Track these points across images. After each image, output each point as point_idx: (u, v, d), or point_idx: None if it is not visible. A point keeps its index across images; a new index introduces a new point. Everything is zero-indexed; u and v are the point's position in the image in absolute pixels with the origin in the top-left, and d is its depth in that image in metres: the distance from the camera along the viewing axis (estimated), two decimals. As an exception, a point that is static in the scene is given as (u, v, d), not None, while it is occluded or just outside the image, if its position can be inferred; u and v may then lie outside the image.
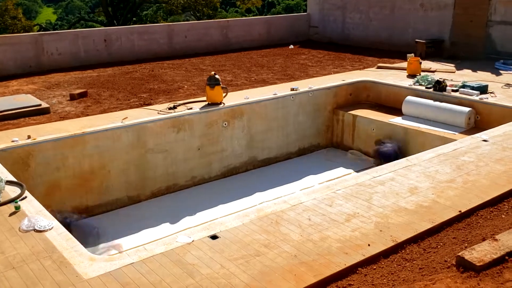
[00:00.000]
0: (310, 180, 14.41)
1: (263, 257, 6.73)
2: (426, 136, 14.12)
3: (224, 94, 14.33)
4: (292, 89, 15.77)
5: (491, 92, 15.04)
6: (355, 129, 16.19)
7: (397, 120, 15.22)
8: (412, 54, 18.72)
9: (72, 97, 15.56)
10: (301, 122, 16.05)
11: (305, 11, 30.93)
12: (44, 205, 8.47)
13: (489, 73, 17.88)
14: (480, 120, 14.30)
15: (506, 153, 10.33)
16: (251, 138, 14.95)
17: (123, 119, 12.88)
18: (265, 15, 71.45)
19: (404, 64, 18.47)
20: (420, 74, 17.28)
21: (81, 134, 11.94)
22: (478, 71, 18.24)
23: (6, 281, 6.23)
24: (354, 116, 16.16)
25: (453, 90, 15.24)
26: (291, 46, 25.73)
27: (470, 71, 18.40)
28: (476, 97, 14.63)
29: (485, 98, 14.50)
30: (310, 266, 6.51)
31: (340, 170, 15.06)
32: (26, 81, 18.17)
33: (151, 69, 20.22)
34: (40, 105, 14.29)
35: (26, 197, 8.59)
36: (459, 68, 18.79)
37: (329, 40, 27.11)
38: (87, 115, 13.80)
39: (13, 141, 11.34)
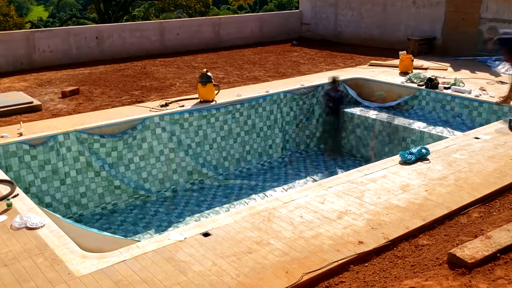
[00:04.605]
0: (303, 179, 14.42)
1: (255, 254, 6.74)
2: (417, 134, 14.15)
3: (216, 92, 14.32)
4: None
5: (483, 90, 15.08)
6: (348, 127, 16.20)
7: (390, 118, 15.24)
8: (404, 52, 18.76)
9: (64, 95, 15.52)
10: (296, 121, 16.04)
11: (297, 8, 30.91)
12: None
13: (482, 71, 17.91)
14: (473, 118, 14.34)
15: (498, 151, 10.36)
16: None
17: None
18: (257, 12, 71.40)
19: (396, 62, 18.49)
20: (412, 72, 17.31)
21: (73, 131, 11.90)
22: (471, 69, 18.27)
23: (-2, 279, 6.23)
24: (347, 114, 16.16)
25: (445, 88, 15.27)
26: (295, 42, 25.99)
27: (462, 68, 18.43)
28: (468, 94, 14.67)
29: (477, 96, 14.54)
30: (302, 263, 6.51)
31: (333, 169, 15.09)
32: (17, 78, 18.11)
33: (143, 67, 20.19)
34: (32, 102, 14.25)
35: (17, 194, 8.57)
36: (454, 66, 18.80)
37: (321, 37, 27.13)
38: (79, 112, 13.77)
39: (2, 137, 11.34)
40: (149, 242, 7.09)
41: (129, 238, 10.67)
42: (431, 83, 15.48)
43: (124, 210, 12.55)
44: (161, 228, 11.81)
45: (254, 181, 14.22)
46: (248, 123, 14.78)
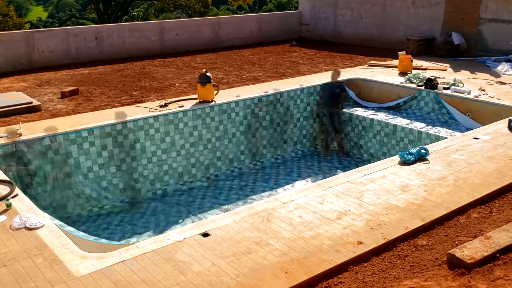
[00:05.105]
0: (302, 179, 14.43)
1: (254, 254, 6.74)
2: (415, 134, 14.18)
3: (215, 92, 14.33)
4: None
5: (483, 90, 15.09)
6: (346, 128, 16.21)
7: (389, 118, 15.24)
8: (404, 52, 18.76)
9: (63, 95, 15.52)
10: (293, 121, 16.06)
11: (296, 8, 30.93)
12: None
13: (481, 71, 17.92)
14: (472, 117, 14.35)
15: (497, 151, 10.37)
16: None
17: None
18: (257, 12, 71.40)
19: (396, 62, 18.49)
20: (411, 72, 17.32)
21: (73, 131, 11.90)
22: (470, 69, 18.28)
23: (-3, 279, 6.22)
24: (346, 114, 16.17)
25: (444, 88, 15.28)
26: (294, 42, 25.95)
27: (462, 69, 18.43)
28: (467, 95, 14.68)
29: (476, 96, 14.54)
30: (301, 263, 6.51)
31: (331, 169, 15.10)
32: (17, 78, 18.11)
33: (142, 67, 20.18)
34: (31, 102, 14.25)
35: (17, 194, 8.57)
36: (454, 67, 18.80)
37: (320, 37, 27.14)
38: (78, 112, 13.77)
39: (1, 137, 11.34)
40: (148, 242, 7.08)
41: (123, 242, 10.64)
42: (431, 83, 15.48)
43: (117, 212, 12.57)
44: (158, 228, 11.80)
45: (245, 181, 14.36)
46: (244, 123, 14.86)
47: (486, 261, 6.16)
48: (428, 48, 21.85)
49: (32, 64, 19.77)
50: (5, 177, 9.45)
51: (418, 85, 15.88)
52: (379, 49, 23.11)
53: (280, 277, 6.23)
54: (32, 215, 7.70)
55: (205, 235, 7.24)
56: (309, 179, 14.38)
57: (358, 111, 15.99)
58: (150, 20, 44.47)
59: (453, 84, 15.37)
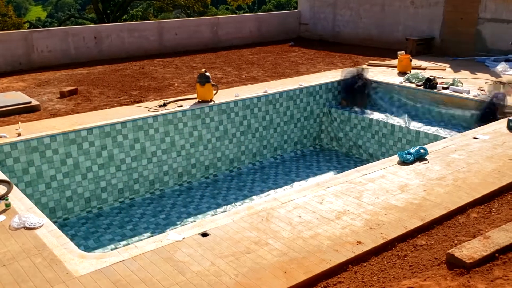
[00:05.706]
0: (301, 179, 14.44)
1: (253, 254, 6.74)
2: (413, 134, 14.19)
3: (214, 92, 14.32)
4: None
5: (482, 90, 15.09)
6: (345, 127, 16.21)
7: (389, 118, 15.24)
8: (403, 52, 18.75)
9: (62, 95, 15.50)
10: (293, 121, 16.06)
11: (295, 8, 30.90)
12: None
13: (481, 71, 17.92)
14: (470, 117, 14.37)
15: (497, 151, 10.37)
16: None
17: None
18: (256, 12, 71.38)
19: (395, 62, 18.49)
20: (410, 72, 17.32)
21: (72, 131, 11.89)
22: (470, 69, 18.28)
23: (-4, 279, 6.22)
24: (345, 114, 16.18)
25: (443, 88, 15.28)
26: (292, 43, 25.94)
27: (461, 69, 18.43)
28: (466, 94, 14.68)
29: (476, 96, 14.54)
30: (300, 263, 6.51)
31: (331, 169, 15.10)
32: (16, 78, 18.09)
33: (141, 67, 20.17)
34: (30, 102, 14.24)
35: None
36: (453, 67, 18.80)
37: (319, 37, 27.14)
38: (78, 112, 13.76)
39: (0, 137, 11.33)
40: (147, 242, 7.08)
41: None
42: (430, 83, 15.48)
43: (109, 213, 12.54)
44: (148, 230, 11.74)
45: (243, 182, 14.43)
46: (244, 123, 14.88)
47: (485, 261, 6.16)
48: (427, 48, 21.87)
49: (31, 64, 19.76)
50: (3, 177, 9.45)
51: (417, 85, 15.88)
52: (378, 49, 23.13)
53: (279, 277, 6.23)
54: (31, 215, 7.69)
55: (204, 235, 7.24)
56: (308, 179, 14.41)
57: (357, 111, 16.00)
58: (149, 20, 44.45)
59: (452, 84, 15.38)
